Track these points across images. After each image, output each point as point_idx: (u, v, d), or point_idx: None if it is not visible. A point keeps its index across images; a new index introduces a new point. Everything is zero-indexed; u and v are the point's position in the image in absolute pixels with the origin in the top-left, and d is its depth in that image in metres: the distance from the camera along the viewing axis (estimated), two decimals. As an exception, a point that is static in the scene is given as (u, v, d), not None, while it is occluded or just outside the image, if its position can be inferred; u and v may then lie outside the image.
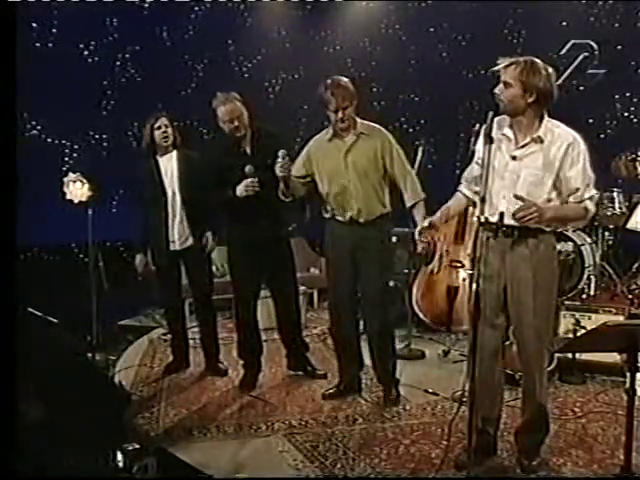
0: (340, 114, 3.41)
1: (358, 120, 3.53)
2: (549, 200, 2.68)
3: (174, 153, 4.10)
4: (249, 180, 3.64)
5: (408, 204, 3.59)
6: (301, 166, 3.61)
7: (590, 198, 2.69)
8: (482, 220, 2.57)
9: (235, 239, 3.91)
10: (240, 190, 3.66)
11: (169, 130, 4.05)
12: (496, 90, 2.64)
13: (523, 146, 2.67)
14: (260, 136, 3.80)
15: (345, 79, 3.46)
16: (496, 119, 2.66)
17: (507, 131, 2.70)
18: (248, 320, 3.97)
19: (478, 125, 2.80)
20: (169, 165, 4.09)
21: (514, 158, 2.68)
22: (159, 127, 4.03)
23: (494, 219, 2.65)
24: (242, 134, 3.74)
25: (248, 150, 3.79)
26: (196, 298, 4.30)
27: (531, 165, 2.66)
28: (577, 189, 2.66)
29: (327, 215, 3.65)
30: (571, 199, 2.69)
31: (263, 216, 3.75)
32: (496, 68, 2.65)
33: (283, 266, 3.95)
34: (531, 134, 2.66)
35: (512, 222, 2.63)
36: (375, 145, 3.52)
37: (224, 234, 4.07)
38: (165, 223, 4.06)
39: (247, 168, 3.65)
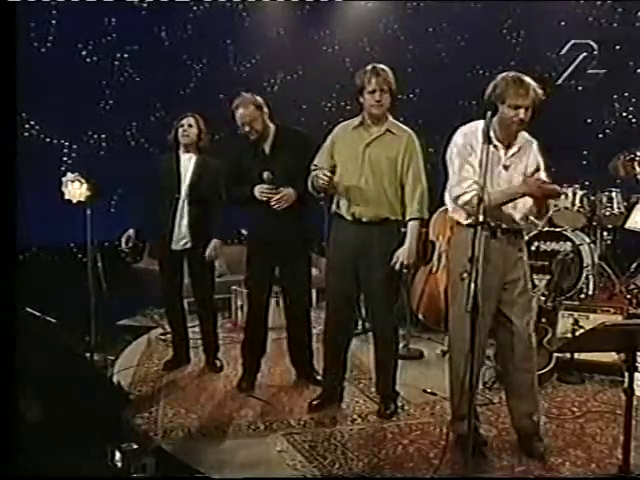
0: (378, 96, 3.26)
1: (389, 116, 3.42)
2: None
3: (194, 155, 4.17)
4: (265, 186, 3.62)
5: (408, 217, 3.43)
6: (326, 155, 3.47)
7: None
8: (480, 220, 2.59)
9: (252, 236, 3.88)
10: (257, 193, 3.64)
11: (190, 130, 4.11)
12: (521, 117, 2.74)
13: (512, 155, 2.88)
14: (283, 135, 3.77)
15: (387, 69, 3.34)
16: (470, 129, 2.87)
17: (496, 142, 2.83)
18: (259, 319, 3.92)
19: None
20: (187, 165, 4.16)
21: (506, 168, 2.87)
22: (182, 125, 4.12)
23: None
24: (256, 137, 3.73)
25: (267, 150, 3.77)
26: (197, 297, 4.33)
27: (519, 170, 2.89)
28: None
29: (334, 208, 3.52)
30: None
31: (282, 214, 3.68)
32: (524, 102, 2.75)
33: (299, 266, 3.88)
34: (516, 143, 2.88)
35: (506, 225, 2.87)
36: (399, 146, 3.38)
37: (228, 236, 4.05)
38: (172, 220, 4.11)
39: (265, 175, 3.61)
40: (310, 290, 4.05)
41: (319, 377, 3.95)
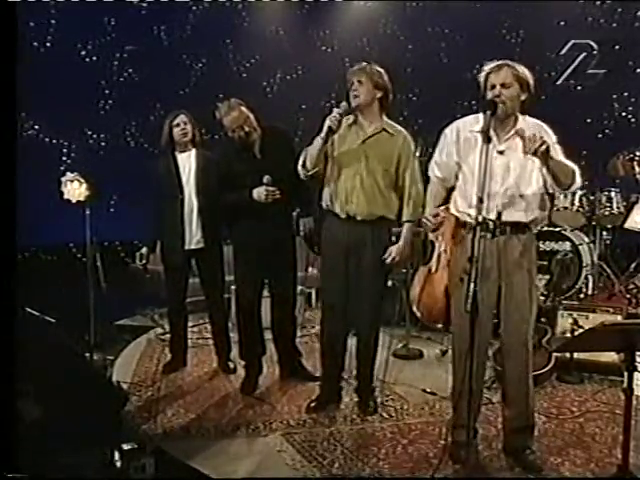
0: (354, 86, 3.29)
1: (384, 117, 3.43)
2: (538, 185, 2.86)
3: (193, 152, 4.13)
4: (271, 188, 3.59)
5: (404, 218, 3.46)
6: (320, 144, 3.35)
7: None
8: (480, 220, 2.59)
9: (242, 238, 3.84)
10: (260, 196, 3.60)
11: (188, 127, 4.06)
12: (495, 92, 2.72)
13: (506, 140, 2.82)
14: (268, 136, 3.76)
15: (375, 66, 3.37)
16: (462, 121, 2.88)
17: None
18: (251, 320, 3.90)
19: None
20: (187, 163, 4.10)
21: (501, 153, 2.80)
22: (177, 124, 4.05)
23: (492, 217, 2.75)
24: (248, 140, 3.69)
25: (258, 154, 3.75)
26: (208, 297, 4.29)
27: (516, 155, 2.81)
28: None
29: (326, 205, 3.47)
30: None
31: (271, 216, 3.68)
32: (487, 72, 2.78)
33: (286, 268, 3.89)
34: (514, 127, 2.81)
35: (507, 218, 2.78)
36: (396, 145, 3.40)
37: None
38: (181, 221, 4.06)
39: (266, 178, 3.59)
40: (295, 290, 4.04)
41: (314, 374, 3.99)
